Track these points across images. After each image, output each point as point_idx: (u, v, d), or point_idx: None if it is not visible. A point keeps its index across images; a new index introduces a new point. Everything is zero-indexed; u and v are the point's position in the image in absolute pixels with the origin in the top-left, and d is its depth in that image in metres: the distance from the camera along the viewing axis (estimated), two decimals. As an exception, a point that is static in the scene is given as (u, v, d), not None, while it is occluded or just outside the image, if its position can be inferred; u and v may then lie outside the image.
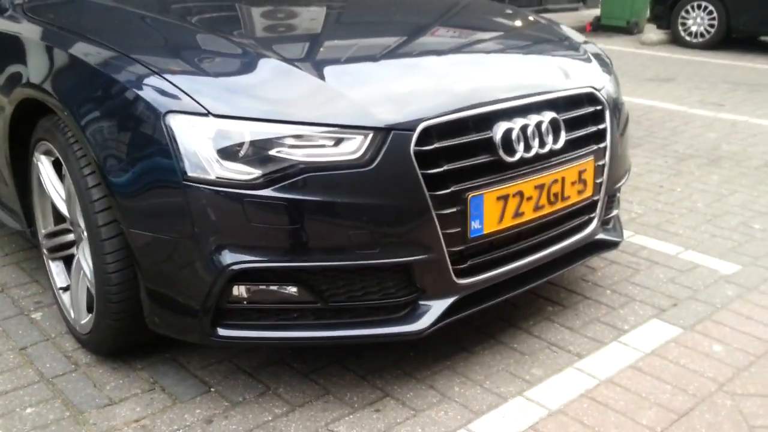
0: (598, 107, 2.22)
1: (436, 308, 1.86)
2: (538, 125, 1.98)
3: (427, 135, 1.79)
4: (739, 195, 3.55)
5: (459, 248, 1.85)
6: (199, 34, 2.08)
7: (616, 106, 2.33)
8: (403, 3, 2.81)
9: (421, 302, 1.86)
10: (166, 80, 1.76)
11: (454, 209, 1.82)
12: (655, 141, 4.53)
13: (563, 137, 2.04)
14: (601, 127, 2.21)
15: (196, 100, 1.71)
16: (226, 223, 1.70)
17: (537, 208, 2.00)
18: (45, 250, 2.30)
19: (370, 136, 1.73)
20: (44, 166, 2.15)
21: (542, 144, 1.99)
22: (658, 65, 7.48)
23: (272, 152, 1.69)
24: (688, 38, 8.72)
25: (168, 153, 1.70)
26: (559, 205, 2.07)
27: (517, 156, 1.92)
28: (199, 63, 1.88)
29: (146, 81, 1.77)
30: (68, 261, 2.25)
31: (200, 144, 1.68)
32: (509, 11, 2.82)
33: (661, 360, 2.12)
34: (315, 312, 1.80)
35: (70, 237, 2.19)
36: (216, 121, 1.69)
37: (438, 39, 2.33)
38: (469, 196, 1.83)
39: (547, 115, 2.01)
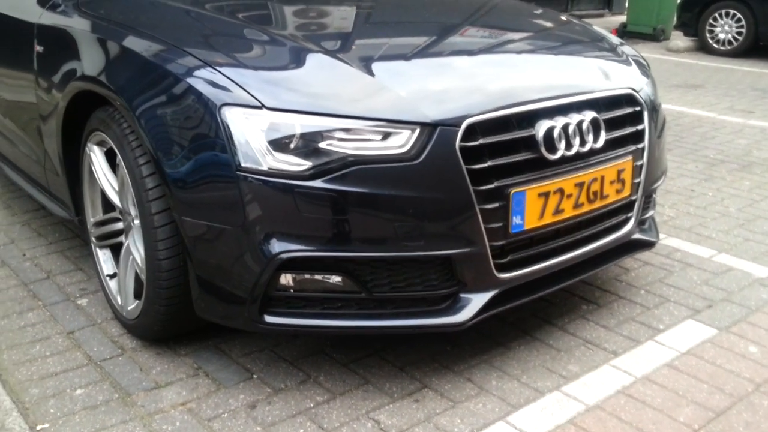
0: (637, 108, 2.25)
1: (476, 301, 1.90)
2: (579, 124, 2.01)
3: (472, 131, 1.83)
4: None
5: (500, 243, 1.89)
6: (246, 29, 2.13)
7: (654, 108, 2.36)
8: (435, 2, 2.86)
9: (462, 295, 1.90)
10: (221, 73, 1.82)
11: (497, 204, 1.85)
12: (685, 146, 4.54)
13: (603, 137, 2.07)
14: (639, 128, 2.24)
15: (250, 93, 1.76)
16: (276, 213, 1.75)
17: (577, 205, 2.03)
18: (93, 238, 2.37)
19: (417, 131, 1.77)
20: (96, 157, 2.22)
21: (583, 143, 2.02)
22: (686, 72, 7.46)
23: (322, 145, 1.74)
24: (715, 46, 8.69)
25: (222, 144, 1.75)
26: (598, 204, 2.10)
27: (559, 154, 1.96)
28: (251, 57, 1.94)
29: (200, 74, 1.83)
30: (115, 249, 2.32)
31: (253, 136, 1.74)
32: (543, 11, 2.86)
33: (697, 360, 2.14)
34: (359, 302, 1.85)
35: (119, 225, 2.26)
36: (269, 114, 1.74)
37: (477, 38, 2.37)
38: (512, 191, 1.87)
39: (588, 115, 2.05)
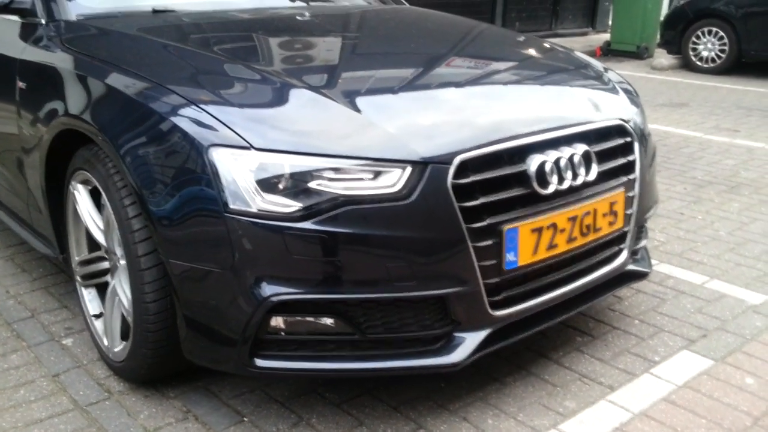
0: (628, 139, 2.24)
1: (471, 340, 1.87)
2: (571, 158, 2.00)
3: (463, 168, 1.81)
4: (761, 223, 3.55)
5: (494, 280, 1.86)
6: (231, 65, 2.10)
7: (644, 138, 2.35)
8: (418, 32, 2.85)
9: (457, 334, 1.86)
10: (207, 112, 1.79)
11: (490, 241, 1.83)
12: (673, 167, 4.55)
13: (595, 170, 2.06)
14: (630, 158, 2.23)
15: (237, 133, 1.73)
16: (266, 255, 1.71)
17: (570, 240, 2.01)
18: (78, 277, 2.32)
19: (408, 169, 1.75)
20: (81, 195, 2.17)
21: (575, 176, 2.00)
22: (671, 90, 7.52)
23: (312, 185, 1.71)
24: (699, 63, 8.77)
25: (210, 185, 1.72)
26: (591, 237, 2.08)
27: (551, 188, 1.94)
28: (237, 94, 1.91)
29: (187, 113, 1.80)
30: (101, 288, 2.27)
31: (242, 177, 1.70)
32: (527, 39, 2.85)
33: (694, 393, 2.11)
34: (352, 343, 1.81)
35: (105, 265, 2.21)
36: (258, 155, 1.71)
37: (463, 69, 2.35)
38: (505, 228, 1.85)
39: (580, 148, 2.03)
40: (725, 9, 8.37)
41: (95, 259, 2.25)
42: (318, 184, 1.71)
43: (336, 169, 1.73)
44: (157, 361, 1.97)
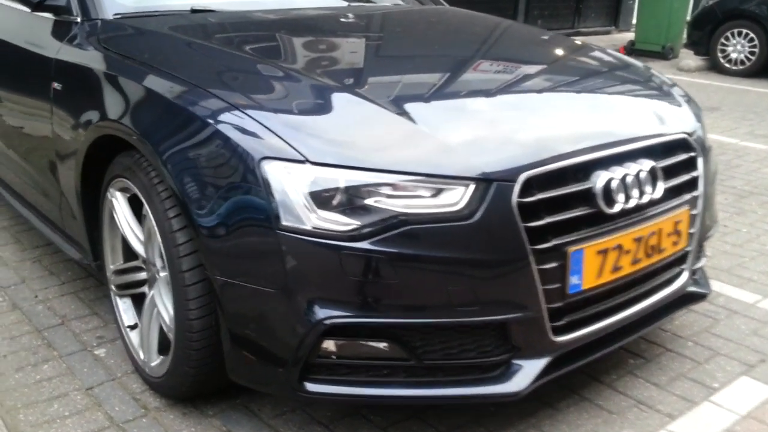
0: (692, 154, 2.13)
1: (532, 367, 1.76)
2: (638, 174, 1.89)
3: (528, 186, 1.70)
4: (807, 237, 3.42)
5: (557, 305, 1.76)
6: (278, 70, 2.00)
7: (707, 152, 2.23)
8: (468, 36, 2.74)
9: (517, 361, 1.76)
10: (259, 122, 1.69)
11: (554, 264, 1.72)
12: (711, 176, 4.41)
13: (661, 187, 1.95)
14: (694, 174, 2.12)
15: (292, 146, 1.64)
16: (321, 276, 1.62)
17: (634, 261, 1.90)
18: (113, 287, 2.23)
19: (472, 187, 1.64)
20: (119, 203, 2.08)
21: (641, 194, 1.89)
22: (700, 93, 7.35)
23: (369, 202, 1.61)
24: (727, 65, 8.59)
25: (261, 199, 1.62)
26: (655, 258, 1.97)
27: (618, 207, 1.83)
28: (288, 103, 1.82)
29: (237, 122, 1.71)
30: (137, 299, 2.19)
31: (296, 192, 1.61)
32: (579, 44, 2.73)
33: (759, 424, 2.00)
34: (407, 369, 1.71)
35: (142, 275, 2.12)
36: (313, 169, 1.62)
37: (520, 76, 2.24)
38: (570, 250, 1.74)
39: (646, 164, 1.92)
40: (756, 10, 8.18)
41: (132, 268, 2.17)
42: (375, 201, 1.61)
43: (395, 186, 1.63)
44: (198, 380, 1.89)
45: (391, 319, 1.64)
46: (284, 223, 1.61)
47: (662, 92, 2.34)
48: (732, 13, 8.43)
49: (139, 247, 2.06)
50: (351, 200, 1.61)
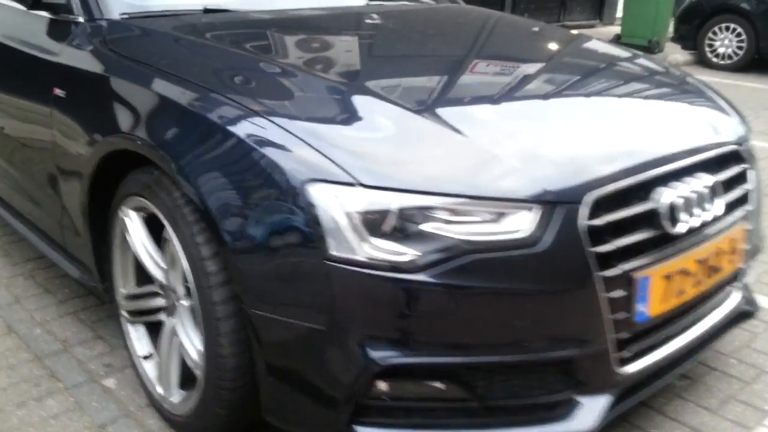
0: (744, 165, 2.01)
1: (598, 403, 1.62)
2: (699, 190, 1.76)
3: (595, 207, 1.56)
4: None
5: (623, 335, 1.63)
6: (312, 78, 1.84)
7: (755, 163, 2.12)
8: (503, 39, 2.60)
9: (581, 397, 1.63)
10: (304, 141, 1.52)
11: (622, 292, 1.59)
12: (719, 176, 4.33)
13: (721, 203, 1.83)
14: (747, 187, 2.00)
15: (341, 167, 1.47)
16: (375, 311, 1.46)
17: (697, 284, 1.78)
18: (124, 312, 2.05)
19: (537, 210, 1.50)
20: (133, 223, 1.90)
21: (703, 211, 1.77)
22: (691, 88, 7.30)
23: (428, 229, 1.45)
24: (715, 60, 8.58)
25: (308, 226, 1.46)
26: (715, 279, 1.85)
27: (684, 227, 1.70)
28: (331, 118, 1.65)
29: (278, 140, 1.54)
30: (152, 326, 2.01)
31: (347, 218, 1.45)
32: (626, 51, 2.59)
33: (821, 452, 1.91)
34: (466, 410, 1.56)
35: (159, 302, 1.94)
36: (366, 193, 1.45)
37: (569, 85, 2.10)
38: (637, 275, 1.61)
39: (705, 178, 1.79)
40: (744, 5, 8.16)
41: (147, 294, 1.98)
42: (434, 228, 1.46)
43: (454, 210, 1.47)
44: (230, 420, 1.72)
45: (452, 358, 1.49)
46: (333, 252, 1.45)
47: (709, 100, 2.22)
48: (720, 7, 8.41)
49: (156, 272, 1.88)
50: (407, 227, 1.46)
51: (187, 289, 1.77)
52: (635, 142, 1.80)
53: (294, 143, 1.53)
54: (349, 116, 1.67)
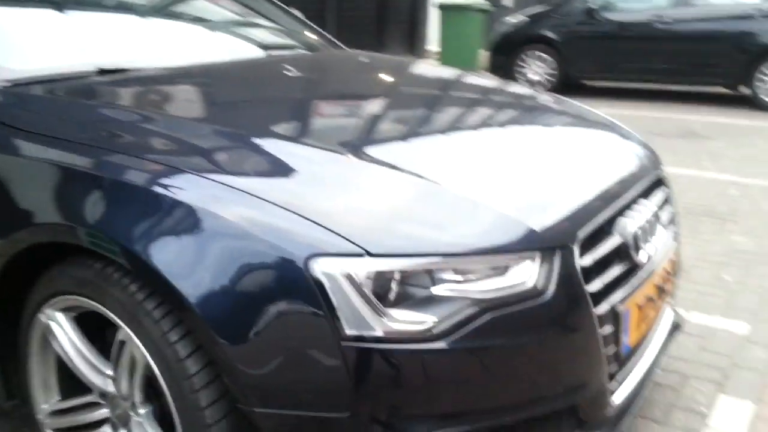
0: (667, 189, 2.15)
1: (598, 440, 1.64)
2: (649, 218, 1.85)
3: (583, 248, 1.58)
4: (689, 247, 3.68)
5: (614, 370, 1.65)
6: (275, 142, 1.67)
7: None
8: (432, 87, 2.59)
9: (584, 436, 1.62)
10: (291, 212, 1.38)
11: (611, 327, 1.61)
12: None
13: (664, 227, 1.94)
14: (672, 210, 2.14)
15: (344, 237, 1.35)
16: (401, 388, 1.35)
17: (655, 307, 1.87)
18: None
19: (538, 258, 1.47)
20: (61, 327, 1.61)
21: (654, 237, 1.86)
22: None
23: (441, 291, 1.37)
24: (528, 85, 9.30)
25: (314, 307, 1.32)
26: (664, 300, 1.96)
27: (645, 255, 1.77)
28: (318, 186, 1.50)
29: (260, 214, 1.38)
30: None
31: (359, 292, 1.32)
32: (530, 92, 2.68)
33: (766, 444, 2.06)
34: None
35: (100, 413, 1.65)
36: (375, 262, 1.34)
37: (519, 132, 2.12)
38: (621, 309, 1.64)
39: (649, 205, 1.89)
40: (551, 34, 8.96)
41: (82, 406, 1.68)
42: (449, 289, 1.38)
43: (464, 269, 1.41)
44: None
45: (486, 422, 1.41)
46: (348, 332, 1.32)
47: (622, 132, 2.32)
48: (530, 37, 9.14)
49: (97, 380, 1.60)
50: (421, 293, 1.37)
51: (147, 395, 1.53)
52: (591, 177, 1.84)
53: (279, 215, 1.38)
54: (334, 181, 1.53)
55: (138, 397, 1.54)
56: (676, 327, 2.24)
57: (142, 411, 1.55)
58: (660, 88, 9.47)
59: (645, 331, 1.84)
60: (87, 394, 1.66)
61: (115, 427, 1.63)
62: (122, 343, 1.51)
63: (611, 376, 1.65)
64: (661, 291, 1.91)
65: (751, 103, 8.03)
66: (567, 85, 9.12)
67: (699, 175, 5.09)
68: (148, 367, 1.45)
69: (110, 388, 1.59)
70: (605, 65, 8.77)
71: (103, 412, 1.65)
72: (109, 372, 1.58)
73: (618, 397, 1.69)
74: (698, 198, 4.53)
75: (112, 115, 1.78)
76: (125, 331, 1.47)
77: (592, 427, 1.62)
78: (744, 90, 8.27)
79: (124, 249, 1.42)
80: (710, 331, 2.75)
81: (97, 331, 1.62)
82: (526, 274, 1.45)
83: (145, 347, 1.44)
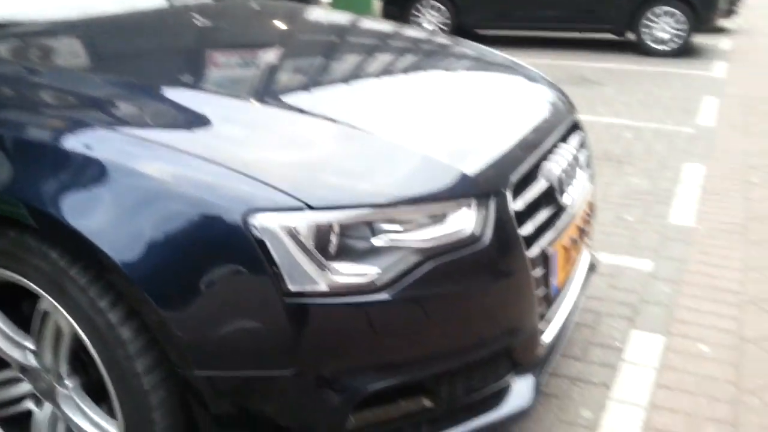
0: (582, 133, 2.21)
1: (530, 378, 1.69)
2: (570, 161, 1.90)
3: (515, 192, 1.60)
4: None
5: (544, 311, 1.71)
6: (231, 100, 1.57)
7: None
8: (342, 31, 2.52)
9: (519, 375, 1.67)
10: (221, 166, 1.31)
11: (542, 269, 1.66)
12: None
13: (584, 170, 2.00)
14: (587, 153, 2.21)
15: (283, 191, 1.30)
16: (345, 341, 1.33)
17: (577, 248, 1.93)
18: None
19: (474, 203, 1.48)
20: (-28, 299, 1.48)
21: (575, 180, 1.92)
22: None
23: (382, 242, 1.36)
24: (424, 36, 9.30)
25: (255, 265, 1.27)
26: (584, 240, 2.03)
27: (569, 198, 1.83)
28: (244, 138, 1.43)
29: (189, 172, 1.30)
30: (10, 421, 1.60)
31: (301, 247, 1.29)
32: (449, 38, 2.66)
33: (675, 372, 2.21)
34: (431, 419, 1.51)
35: (22, 389, 1.55)
36: (316, 215, 1.31)
37: (436, 77, 2.09)
38: (550, 251, 1.69)
39: (570, 148, 1.94)
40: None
41: (1, 382, 1.57)
42: (390, 240, 1.37)
43: (403, 219, 1.39)
44: None
45: (425, 370, 1.42)
46: (292, 288, 1.28)
47: (534, 76, 2.36)
48: (423, -12, 9.13)
49: (16, 354, 1.49)
50: (362, 245, 1.35)
51: (74, 366, 1.44)
52: (514, 121, 1.86)
53: (221, 174, 1.31)
54: (267, 132, 1.46)
55: (64, 369, 1.45)
56: (592, 267, 2.35)
57: (69, 384, 1.46)
58: (551, 35, 9.75)
59: (569, 272, 1.90)
60: (5, 369, 1.55)
61: (39, 402, 1.53)
62: (45, 314, 1.41)
63: (541, 317, 1.71)
64: (582, 232, 1.99)
65: (638, 48, 8.43)
66: (461, 34, 9.16)
67: (595, 120, 5.31)
68: (75, 337, 1.37)
69: (32, 361, 1.49)
70: (497, 14, 8.91)
71: (24, 388, 1.55)
72: (30, 345, 1.47)
73: (547, 337, 1.76)
74: (596, 142, 4.73)
75: (22, 73, 1.62)
76: (48, 302, 1.37)
77: (525, 368, 1.69)
78: (630, 36, 8.66)
79: (35, 210, 1.31)
80: (618, 269, 2.91)
81: (11, 303, 1.50)
82: (464, 220, 1.46)
83: (71, 316, 1.35)
